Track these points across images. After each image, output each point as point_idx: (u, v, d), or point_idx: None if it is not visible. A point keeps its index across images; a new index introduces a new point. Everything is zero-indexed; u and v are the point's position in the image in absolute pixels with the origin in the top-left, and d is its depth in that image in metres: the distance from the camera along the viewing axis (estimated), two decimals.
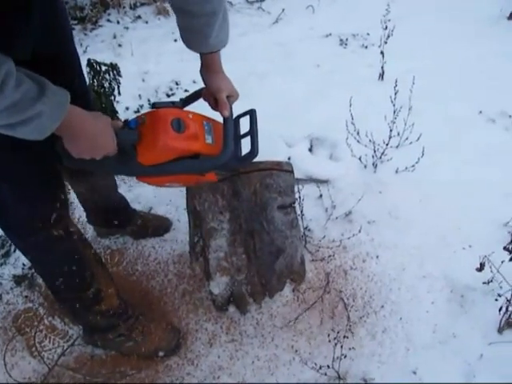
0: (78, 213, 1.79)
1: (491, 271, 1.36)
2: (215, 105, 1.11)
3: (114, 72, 1.95)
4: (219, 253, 1.35)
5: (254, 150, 1.08)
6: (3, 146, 0.88)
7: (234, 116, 1.14)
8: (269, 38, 2.81)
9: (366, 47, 2.72)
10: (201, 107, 1.13)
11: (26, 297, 1.58)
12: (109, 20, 3.09)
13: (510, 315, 1.36)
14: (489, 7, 2.91)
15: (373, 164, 1.90)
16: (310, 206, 1.72)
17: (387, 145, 1.86)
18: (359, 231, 1.62)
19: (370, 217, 1.72)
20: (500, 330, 1.39)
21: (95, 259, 1.28)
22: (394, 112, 1.82)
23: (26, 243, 1.13)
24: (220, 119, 1.09)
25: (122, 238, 1.73)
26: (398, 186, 1.82)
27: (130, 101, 2.34)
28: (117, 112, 2.05)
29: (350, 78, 2.39)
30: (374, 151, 1.87)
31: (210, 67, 1.10)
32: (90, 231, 1.75)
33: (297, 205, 1.46)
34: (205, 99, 1.15)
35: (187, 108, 1.12)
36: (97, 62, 1.89)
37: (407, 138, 1.89)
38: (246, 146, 1.11)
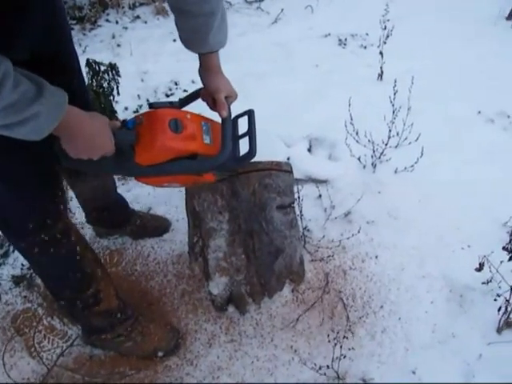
0: (77, 213, 1.79)
1: (490, 271, 1.36)
2: (213, 105, 1.10)
3: (113, 72, 1.95)
4: (218, 253, 1.35)
5: (252, 150, 1.07)
6: (1, 147, 0.88)
7: (233, 116, 1.14)
8: (268, 38, 2.81)
9: (365, 47, 2.72)
10: (199, 107, 1.13)
11: (25, 297, 1.58)
12: (108, 20, 3.09)
13: (508, 315, 1.36)
14: (488, 7, 2.92)
15: (372, 164, 1.90)
16: (309, 206, 1.72)
17: (386, 145, 1.86)
18: (358, 231, 1.62)
19: (369, 217, 1.72)
20: (499, 330, 1.39)
21: (94, 259, 1.28)
22: (393, 112, 1.82)
23: (25, 244, 1.12)
24: (218, 119, 1.09)
25: (120, 239, 1.73)
26: (397, 186, 1.83)
27: (129, 101, 2.34)
28: (116, 112, 2.05)
29: (349, 78, 2.39)
30: (373, 151, 1.87)
31: (208, 67, 1.09)
32: (88, 231, 1.75)
33: (296, 205, 1.46)
34: (203, 99, 1.15)
35: (185, 108, 1.12)
36: (96, 62, 1.89)
37: (406, 138, 1.89)
38: (244, 146, 1.11)
